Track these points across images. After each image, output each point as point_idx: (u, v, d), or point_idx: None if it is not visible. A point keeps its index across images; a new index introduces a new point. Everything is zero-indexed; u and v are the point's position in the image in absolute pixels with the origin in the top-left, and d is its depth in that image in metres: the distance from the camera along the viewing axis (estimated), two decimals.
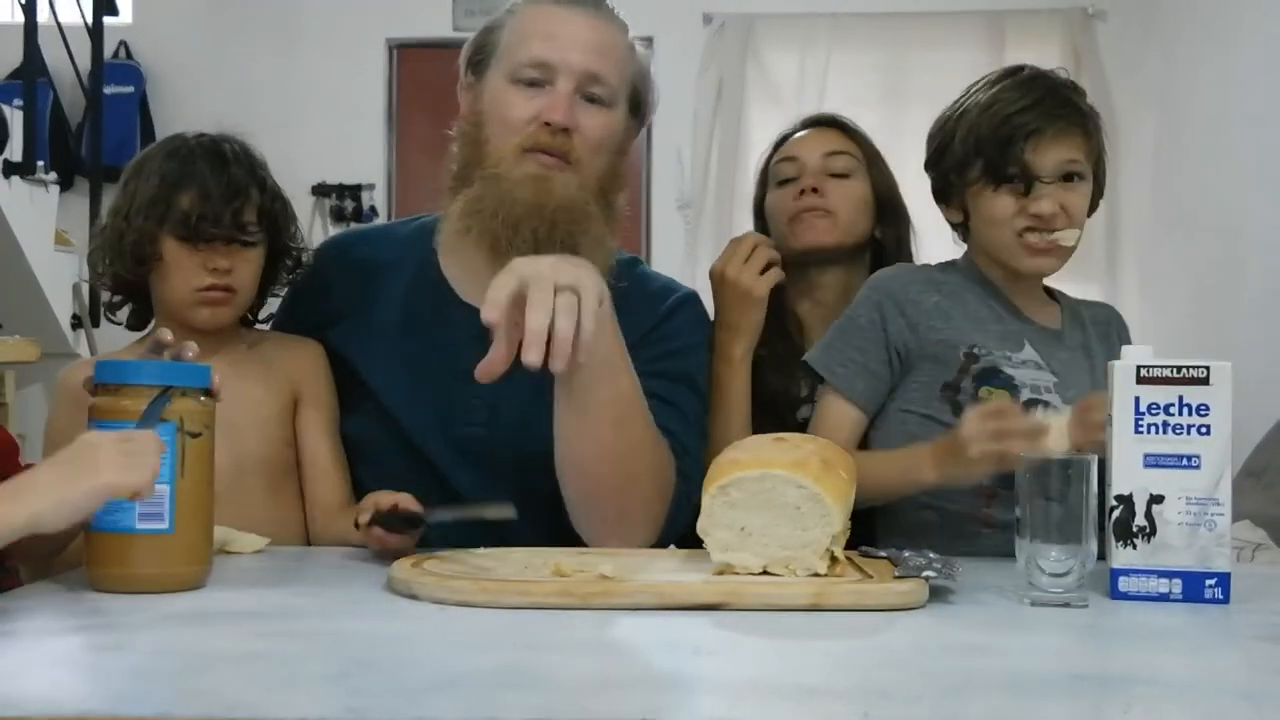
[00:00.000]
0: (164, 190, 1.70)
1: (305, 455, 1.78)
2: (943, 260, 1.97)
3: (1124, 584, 1.37)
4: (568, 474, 1.60)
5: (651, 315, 1.80)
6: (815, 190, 2.02)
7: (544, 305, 1.37)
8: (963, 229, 1.86)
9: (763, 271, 1.97)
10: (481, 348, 1.51)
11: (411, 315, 1.80)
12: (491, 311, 1.39)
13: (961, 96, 1.82)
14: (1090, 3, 5.55)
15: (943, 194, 1.85)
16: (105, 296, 1.80)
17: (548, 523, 1.68)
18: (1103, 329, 1.87)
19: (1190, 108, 5.00)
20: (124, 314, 1.81)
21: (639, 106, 1.83)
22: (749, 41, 5.68)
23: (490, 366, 1.41)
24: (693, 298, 1.89)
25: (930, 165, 1.86)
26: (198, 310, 1.72)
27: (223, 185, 1.70)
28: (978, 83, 1.82)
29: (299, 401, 1.79)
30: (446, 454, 1.75)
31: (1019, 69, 1.81)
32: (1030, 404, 1.72)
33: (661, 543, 1.67)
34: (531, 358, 1.35)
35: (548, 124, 1.70)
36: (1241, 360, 1.39)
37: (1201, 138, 4.87)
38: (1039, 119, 1.71)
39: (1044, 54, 5.50)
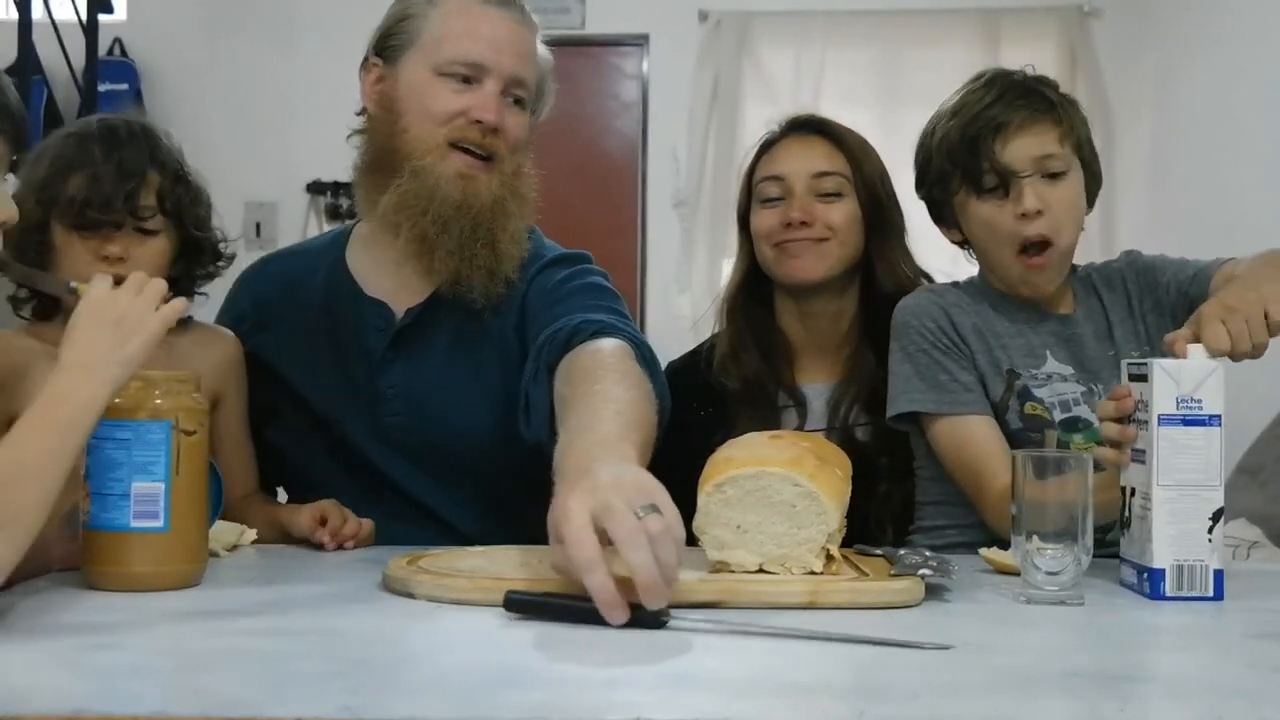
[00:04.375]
0: (53, 174, 1.59)
1: (223, 447, 1.75)
2: (935, 266, 1.97)
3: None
4: None
5: (535, 265, 1.82)
6: (805, 223, 1.93)
7: (638, 541, 1.15)
8: (965, 245, 1.84)
9: None
10: (385, 338, 1.77)
11: (327, 317, 1.84)
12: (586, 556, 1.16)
13: (934, 114, 1.81)
14: (1085, 1, 5.55)
15: (937, 213, 1.83)
16: (10, 290, 1.70)
17: (479, 502, 1.76)
18: (1112, 285, 1.82)
19: (1186, 106, 5.00)
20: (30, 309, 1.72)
21: (537, 104, 1.87)
22: (744, 39, 5.67)
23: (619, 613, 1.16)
24: (581, 254, 1.89)
25: (918, 187, 1.85)
26: None
27: (113, 167, 1.59)
28: (948, 97, 1.81)
29: (219, 399, 1.74)
30: (375, 447, 1.79)
31: (982, 74, 1.79)
32: (1068, 425, 1.72)
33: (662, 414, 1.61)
34: (657, 602, 1.14)
35: (478, 122, 1.73)
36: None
37: (1198, 136, 4.87)
38: (1003, 111, 1.69)
39: (1039, 52, 5.49)
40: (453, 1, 1.78)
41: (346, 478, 1.79)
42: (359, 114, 1.86)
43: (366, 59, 1.85)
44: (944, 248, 1.90)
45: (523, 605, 1.20)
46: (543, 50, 1.85)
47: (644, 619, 1.15)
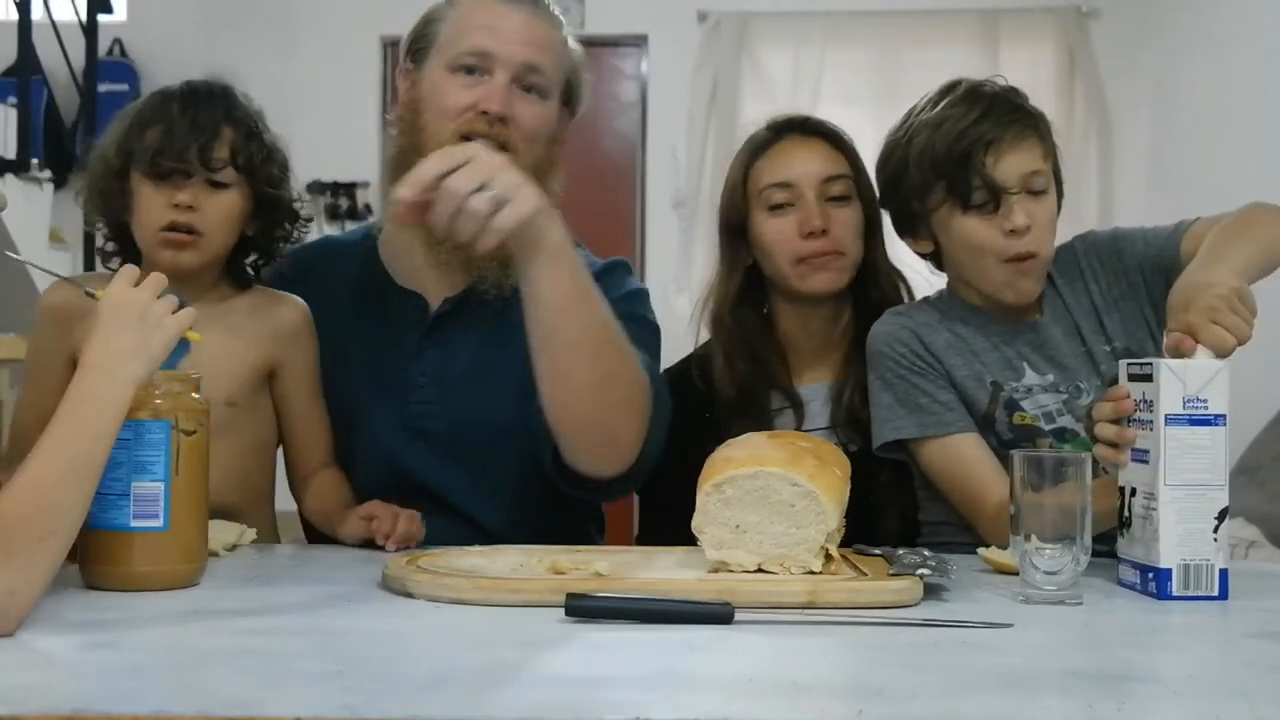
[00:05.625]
0: (132, 127, 1.67)
1: (285, 418, 1.77)
2: (907, 262, 1.95)
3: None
4: (555, 414, 1.62)
5: (590, 266, 1.79)
6: (825, 232, 1.89)
7: (474, 177, 1.44)
8: (934, 258, 1.82)
9: None
10: (422, 330, 1.78)
11: (359, 309, 1.84)
12: (409, 190, 1.46)
13: (903, 122, 1.77)
14: (1084, 1, 5.55)
15: (907, 225, 1.79)
16: (100, 243, 1.78)
17: (501, 494, 1.76)
18: (1070, 276, 1.79)
19: (1184, 106, 5.00)
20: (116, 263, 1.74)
21: (570, 99, 1.87)
22: (743, 39, 5.68)
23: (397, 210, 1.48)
24: (620, 263, 1.89)
25: (886, 198, 1.82)
26: (161, 252, 1.66)
27: (188, 121, 1.65)
28: (917, 107, 1.76)
29: (277, 367, 1.75)
30: (399, 439, 1.79)
31: (955, 84, 1.75)
32: (1055, 436, 1.72)
33: (645, 464, 1.67)
34: (438, 213, 1.45)
35: (485, 112, 1.73)
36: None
37: (1196, 136, 4.88)
38: (994, 128, 1.67)
39: (1038, 53, 5.51)
40: (468, 1, 1.80)
41: (367, 473, 1.79)
42: (394, 120, 1.87)
43: (400, 66, 1.87)
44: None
45: (584, 609, 1.20)
46: (573, 44, 1.86)
47: (712, 615, 1.18)
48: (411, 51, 1.85)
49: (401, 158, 1.80)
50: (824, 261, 1.91)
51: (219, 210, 1.67)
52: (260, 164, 1.70)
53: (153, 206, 1.66)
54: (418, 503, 1.76)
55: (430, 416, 1.79)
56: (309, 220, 1.83)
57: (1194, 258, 1.59)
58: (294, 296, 1.80)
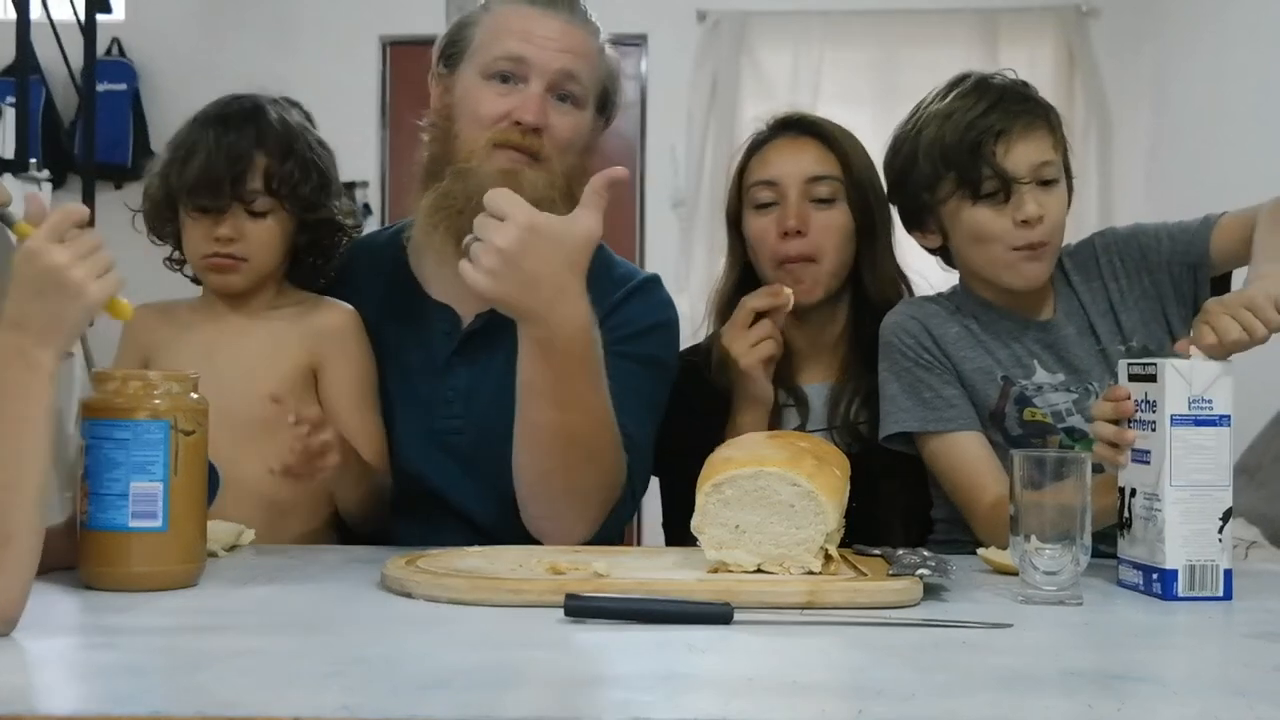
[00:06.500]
0: (173, 158, 1.74)
1: (332, 423, 1.72)
2: (914, 267, 1.95)
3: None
4: (513, 466, 1.63)
5: (607, 300, 1.78)
6: (800, 233, 1.89)
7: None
8: (943, 253, 1.82)
9: (757, 344, 1.84)
10: (451, 343, 1.76)
11: (388, 316, 1.83)
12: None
13: (912, 115, 1.77)
14: (1083, 1, 5.55)
15: (915, 219, 1.79)
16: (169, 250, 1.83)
17: (514, 501, 1.71)
18: (1088, 273, 1.79)
19: (1183, 105, 5.01)
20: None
21: (605, 106, 1.86)
22: (743, 39, 5.68)
23: None
24: (651, 281, 1.88)
25: (895, 192, 1.81)
26: (208, 276, 1.76)
27: (222, 153, 1.71)
28: (925, 100, 1.77)
29: (320, 367, 1.76)
30: (422, 448, 1.77)
31: (964, 78, 1.76)
32: (1068, 433, 1.72)
33: (602, 538, 1.67)
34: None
35: (519, 123, 1.71)
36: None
37: (1196, 135, 4.88)
38: (1003, 118, 1.67)
39: (1037, 52, 5.50)
40: (504, 6, 1.78)
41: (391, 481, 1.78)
42: (427, 125, 1.84)
43: (432, 70, 1.85)
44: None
45: (583, 609, 1.19)
46: (609, 51, 1.84)
47: (711, 615, 1.19)
48: (444, 57, 1.82)
49: (434, 165, 1.78)
50: (798, 273, 1.90)
51: (260, 236, 1.74)
52: (296, 185, 1.75)
53: (195, 237, 1.74)
54: (424, 506, 1.76)
55: (457, 431, 1.77)
56: (357, 227, 1.87)
57: (1229, 253, 1.65)
58: (342, 303, 1.81)
